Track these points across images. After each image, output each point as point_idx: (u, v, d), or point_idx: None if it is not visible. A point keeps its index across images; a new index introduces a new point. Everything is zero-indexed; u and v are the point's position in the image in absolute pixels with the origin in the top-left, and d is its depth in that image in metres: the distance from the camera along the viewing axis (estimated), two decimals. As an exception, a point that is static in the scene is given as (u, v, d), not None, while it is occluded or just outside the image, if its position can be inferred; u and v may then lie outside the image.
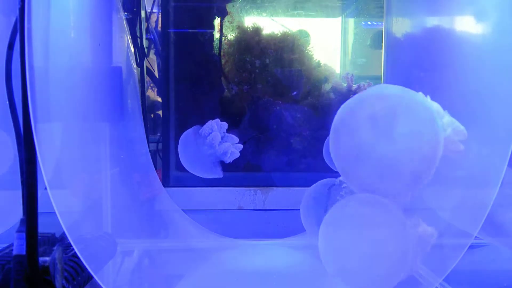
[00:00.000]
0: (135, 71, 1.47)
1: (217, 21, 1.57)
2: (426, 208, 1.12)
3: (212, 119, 1.56)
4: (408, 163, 0.73)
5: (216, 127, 1.20)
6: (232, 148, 1.19)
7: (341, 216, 0.86)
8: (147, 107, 1.54)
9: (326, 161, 1.12)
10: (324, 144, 1.15)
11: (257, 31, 1.57)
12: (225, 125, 1.22)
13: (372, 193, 0.83)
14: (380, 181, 0.75)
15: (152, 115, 1.73)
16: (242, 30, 1.57)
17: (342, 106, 0.80)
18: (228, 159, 1.20)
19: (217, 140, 1.18)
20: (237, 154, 1.21)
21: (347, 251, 0.82)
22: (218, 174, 1.22)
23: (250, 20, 1.60)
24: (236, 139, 1.22)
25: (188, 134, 1.23)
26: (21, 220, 0.71)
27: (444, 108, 0.91)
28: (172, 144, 1.55)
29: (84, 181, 1.04)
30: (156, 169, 1.49)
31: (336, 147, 0.78)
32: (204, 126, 1.20)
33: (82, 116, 1.05)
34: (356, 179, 0.80)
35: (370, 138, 0.73)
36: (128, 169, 1.32)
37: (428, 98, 0.81)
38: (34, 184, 0.70)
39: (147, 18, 1.59)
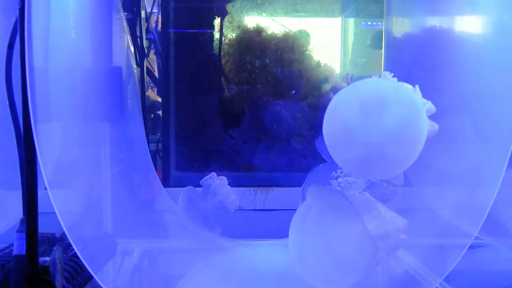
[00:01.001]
0: (135, 71, 1.47)
1: (217, 21, 1.57)
2: (426, 208, 1.12)
3: (213, 119, 1.56)
4: (393, 151, 0.77)
5: (218, 180, 1.22)
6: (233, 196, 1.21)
7: (300, 221, 0.90)
8: (147, 107, 1.54)
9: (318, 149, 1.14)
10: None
11: (257, 31, 1.57)
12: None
13: (360, 175, 0.88)
14: (366, 166, 0.79)
15: (152, 115, 1.73)
16: (242, 30, 1.57)
17: (337, 94, 0.84)
18: (231, 207, 1.21)
19: (225, 187, 1.20)
20: (237, 202, 1.22)
21: (307, 253, 0.87)
22: (217, 230, 1.23)
23: (250, 20, 1.60)
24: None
25: (188, 194, 1.23)
26: (21, 220, 0.71)
27: (444, 108, 0.91)
28: (172, 144, 1.55)
29: (84, 181, 1.04)
30: (156, 169, 1.49)
31: (328, 132, 0.82)
32: (209, 178, 1.22)
33: (82, 116, 1.05)
34: (345, 162, 0.83)
35: (359, 125, 0.77)
36: (128, 169, 1.32)
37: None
38: (34, 184, 0.70)
39: (147, 18, 1.59)
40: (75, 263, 0.88)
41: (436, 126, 0.83)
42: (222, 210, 1.20)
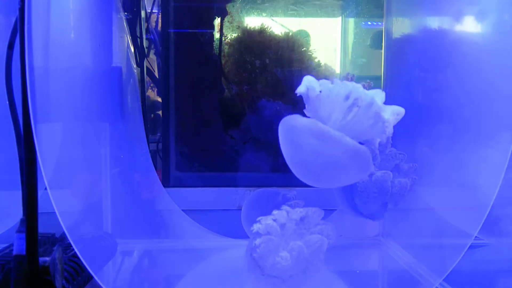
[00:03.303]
0: (135, 71, 1.47)
1: (217, 21, 1.57)
2: (426, 208, 1.12)
3: (213, 119, 1.56)
4: (329, 179, 0.94)
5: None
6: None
7: None
8: (147, 107, 1.54)
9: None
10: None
11: (257, 31, 1.57)
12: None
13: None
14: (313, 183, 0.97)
15: (152, 115, 1.73)
16: (242, 30, 1.57)
17: (289, 118, 0.97)
18: None
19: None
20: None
21: None
22: None
23: (250, 20, 1.60)
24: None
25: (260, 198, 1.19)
26: (21, 220, 0.72)
27: (444, 108, 0.91)
28: (172, 144, 1.55)
29: (84, 181, 1.04)
30: (156, 169, 1.49)
31: (280, 140, 0.96)
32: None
33: (82, 116, 1.05)
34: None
35: (299, 154, 0.91)
36: (128, 169, 1.33)
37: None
38: (34, 184, 0.70)
39: (147, 18, 1.59)
40: (75, 263, 0.88)
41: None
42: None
